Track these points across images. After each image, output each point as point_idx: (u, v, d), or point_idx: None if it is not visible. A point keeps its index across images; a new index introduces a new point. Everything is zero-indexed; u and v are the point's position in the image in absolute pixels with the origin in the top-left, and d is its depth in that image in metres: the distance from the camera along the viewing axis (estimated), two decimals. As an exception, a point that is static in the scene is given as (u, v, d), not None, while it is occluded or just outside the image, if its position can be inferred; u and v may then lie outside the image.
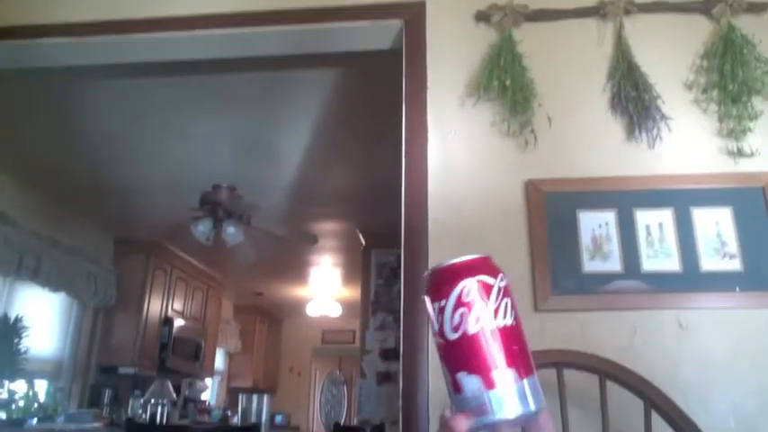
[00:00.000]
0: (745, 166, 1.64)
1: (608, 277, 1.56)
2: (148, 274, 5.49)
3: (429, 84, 1.82)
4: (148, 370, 5.42)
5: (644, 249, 1.58)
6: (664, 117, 1.69)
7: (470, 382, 0.52)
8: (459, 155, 1.74)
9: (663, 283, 1.54)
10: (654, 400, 1.20)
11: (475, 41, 1.84)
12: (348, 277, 6.71)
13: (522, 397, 0.52)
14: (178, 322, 5.87)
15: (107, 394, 4.84)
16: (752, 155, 1.63)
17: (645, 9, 1.81)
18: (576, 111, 1.75)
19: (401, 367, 1.58)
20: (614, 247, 1.58)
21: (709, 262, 1.55)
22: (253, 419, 2.87)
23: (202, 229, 4.19)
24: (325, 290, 7.41)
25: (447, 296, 0.53)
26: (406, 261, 1.66)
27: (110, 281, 5.22)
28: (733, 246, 1.56)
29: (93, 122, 3.41)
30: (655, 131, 1.68)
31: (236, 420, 3.46)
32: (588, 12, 1.83)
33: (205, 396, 6.74)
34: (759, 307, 1.50)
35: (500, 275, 0.55)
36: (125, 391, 5.12)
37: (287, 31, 2.01)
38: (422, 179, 1.71)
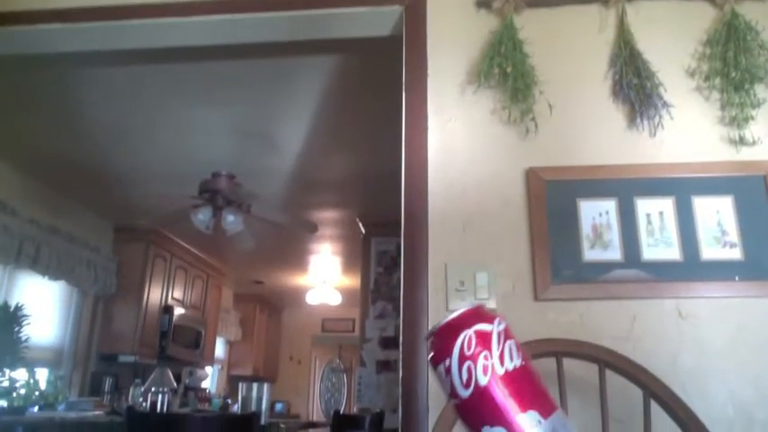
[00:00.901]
0: (746, 154, 1.63)
1: (608, 266, 1.56)
2: (148, 263, 5.49)
3: (429, 71, 1.80)
4: (149, 358, 5.44)
5: (644, 238, 1.57)
6: (665, 105, 1.67)
7: None
8: (459, 142, 1.73)
9: (663, 272, 1.54)
10: (653, 389, 1.19)
11: (476, 28, 1.83)
12: (348, 266, 6.72)
13: None
14: (178, 310, 5.89)
15: (107, 382, 4.85)
16: (754, 143, 1.62)
17: (647, -5, 1.79)
18: (577, 98, 1.73)
19: (401, 356, 1.58)
20: (614, 235, 1.58)
21: (710, 251, 1.55)
22: (253, 408, 2.87)
23: (202, 217, 4.18)
24: (324, 278, 7.41)
25: (449, 354, 0.52)
26: (405, 249, 1.65)
27: (110, 269, 5.22)
28: (734, 235, 1.55)
29: (93, 110, 3.40)
30: (656, 119, 1.67)
31: (236, 408, 3.47)
32: (590, -2, 1.81)
33: (205, 384, 6.77)
34: (759, 296, 1.50)
35: (496, 320, 0.54)
36: (125, 379, 5.13)
37: (286, 16, 1.99)
38: (422, 167, 1.70)
